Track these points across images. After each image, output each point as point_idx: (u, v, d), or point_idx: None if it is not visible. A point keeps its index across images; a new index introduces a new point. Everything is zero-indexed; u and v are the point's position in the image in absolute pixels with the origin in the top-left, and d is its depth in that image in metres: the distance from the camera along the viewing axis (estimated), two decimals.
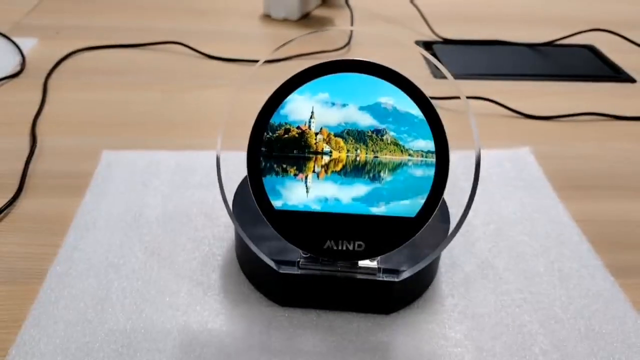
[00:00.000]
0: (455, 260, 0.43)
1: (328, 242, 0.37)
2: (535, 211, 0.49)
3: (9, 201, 0.48)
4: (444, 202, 0.43)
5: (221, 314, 0.39)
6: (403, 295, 0.39)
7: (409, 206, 0.36)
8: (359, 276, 0.37)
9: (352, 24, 0.90)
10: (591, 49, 0.84)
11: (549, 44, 0.84)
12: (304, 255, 0.38)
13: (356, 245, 0.36)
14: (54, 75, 0.71)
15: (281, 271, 0.37)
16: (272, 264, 0.37)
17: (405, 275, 0.37)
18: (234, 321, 0.38)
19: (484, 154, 0.54)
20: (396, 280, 0.37)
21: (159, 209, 0.48)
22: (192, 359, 0.35)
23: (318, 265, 0.38)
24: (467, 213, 0.37)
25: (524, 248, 0.45)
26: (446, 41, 0.85)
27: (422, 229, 0.36)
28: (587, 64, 0.80)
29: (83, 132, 0.60)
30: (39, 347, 0.36)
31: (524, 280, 0.42)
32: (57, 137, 0.58)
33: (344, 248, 0.36)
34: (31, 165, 0.53)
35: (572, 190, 0.52)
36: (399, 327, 0.38)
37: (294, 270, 0.38)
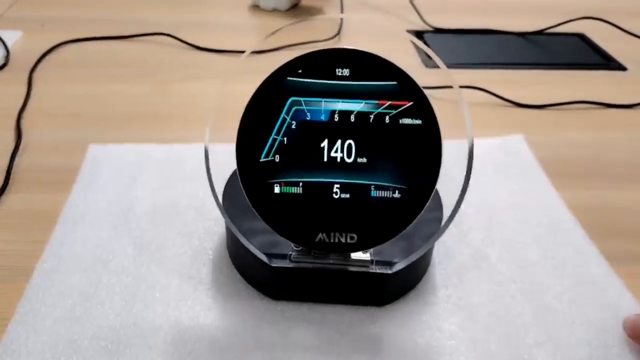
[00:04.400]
0: (448, 251, 0.43)
1: (320, 234, 0.36)
2: (528, 199, 0.49)
3: None
4: (437, 192, 0.42)
5: (212, 308, 0.38)
6: (396, 287, 0.39)
7: (401, 196, 0.36)
8: (352, 268, 0.37)
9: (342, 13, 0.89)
10: (582, 37, 0.84)
11: (540, 32, 0.84)
12: (296, 249, 0.37)
13: (348, 237, 0.36)
14: (39, 68, 0.69)
15: (272, 264, 0.37)
16: (263, 257, 0.37)
17: (398, 267, 0.37)
18: (225, 316, 0.37)
19: (476, 142, 0.54)
20: (389, 272, 0.37)
21: (148, 203, 0.47)
22: (184, 354, 0.35)
23: (310, 258, 0.37)
24: (460, 204, 0.36)
25: (517, 237, 0.45)
26: (437, 30, 0.85)
27: (414, 220, 0.36)
28: (577, 52, 0.79)
29: (69, 125, 0.59)
30: (26, 345, 0.35)
31: (518, 269, 0.42)
32: (42, 131, 0.57)
33: (336, 240, 0.36)
34: (16, 160, 0.52)
35: (565, 178, 0.52)
36: (392, 319, 0.38)
37: (286, 264, 0.37)
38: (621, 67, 0.75)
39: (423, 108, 0.35)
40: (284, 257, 0.37)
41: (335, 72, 0.35)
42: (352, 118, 0.35)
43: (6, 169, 0.50)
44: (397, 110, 0.35)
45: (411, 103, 0.35)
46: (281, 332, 0.36)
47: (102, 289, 0.39)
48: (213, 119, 0.37)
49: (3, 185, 0.48)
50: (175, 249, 0.43)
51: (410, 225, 0.36)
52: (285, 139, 0.36)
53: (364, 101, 0.35)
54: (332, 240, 0.36)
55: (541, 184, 0.51)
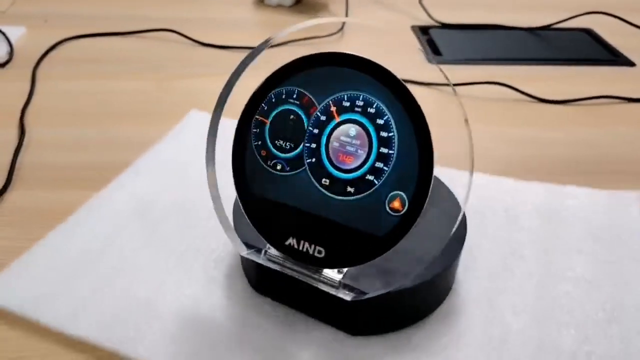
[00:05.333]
0: (468, 303, 0.37)
1: (290, 239, 0.34)
2: (600, 273, 0.39)
3: None
4: (464, 228, 0.38)
5: (204, 288, 0.38)
6: (370, 320, 0.35)
7: (377, 223, 0.32)
8: (320, 285, 0.34)
9: (346, 9, 0.89)
10: (589, 32, 0.83)
11: (547, 27, 0.83)
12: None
13: (317, 250, 0.34)
14: (42, 64, 0.69)
15: (242, 254, 0.36)
16: (239, 245, 0.36)
17: (362, 297, 0.33)
18: (212, 299, 0.37)
19: (582, 192, 0.47)
20: (348, 299, 0.33)
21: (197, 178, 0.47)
22: (164, 329, 0.35)
23: (281, 261, 0.35)
24: (446, 242, 0.32)
25: (559, 316, 0.36)
26: (443, 25, 0.84)
27: (389, 251, 0.32)
28: (585, 48, 0.78)
29: (73, 122, 0.59)
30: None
31: (537, 350, 0.34)
32: (46, 128, 0.57)
33: (304, 250, 0.34)
34: (20, 157, 0.52)
35: (590, 175, 0.50)
36: (358, 353, 0.34)
37: (256, 258, 0.36)
38: (629, 62, 0.74)
39: (413, 118, 0.32)
40: (259, 252, 0.36)
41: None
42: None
43: (9, 166, 0.50)
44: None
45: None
46: (252, 327, 0.36)
47: (109, 260, 0.40)
48: (218, 106, 0.37)
49: (6, 182, 0.48)
50: (199, 230, 0.43)
51: (387, 254, 0.32)
52: None
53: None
54: (300, 248, 0.34)
55: (633, 267, 0.40)
